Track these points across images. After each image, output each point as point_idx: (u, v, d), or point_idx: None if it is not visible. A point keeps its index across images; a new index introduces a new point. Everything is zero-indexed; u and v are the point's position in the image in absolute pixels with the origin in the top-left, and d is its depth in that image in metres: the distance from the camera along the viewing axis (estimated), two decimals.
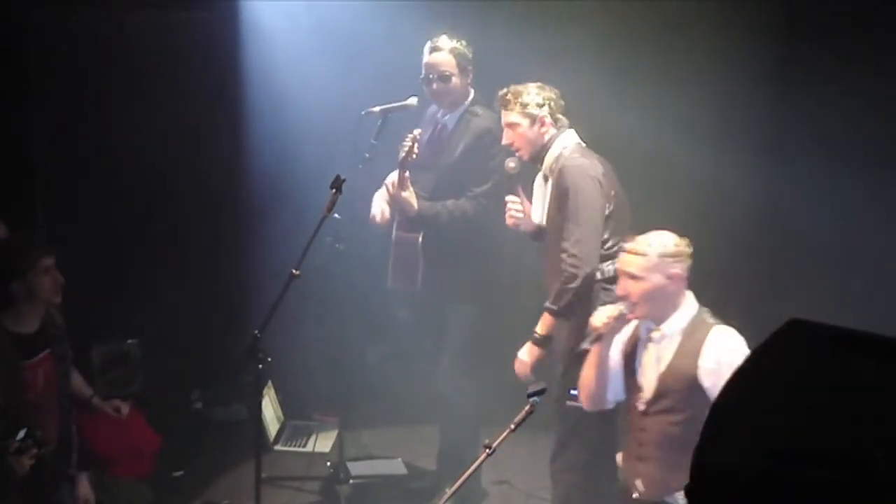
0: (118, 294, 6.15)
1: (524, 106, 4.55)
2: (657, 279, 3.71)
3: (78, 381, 4.76)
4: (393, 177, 5.28)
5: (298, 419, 6.46)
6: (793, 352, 1.26)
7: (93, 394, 4.85)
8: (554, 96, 4.59)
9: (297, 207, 5.75)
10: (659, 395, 3.77)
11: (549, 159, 4.59)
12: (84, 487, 4.59)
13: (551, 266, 4.60)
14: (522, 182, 4.77)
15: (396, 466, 5.99)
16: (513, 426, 3.48)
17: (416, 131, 5.17)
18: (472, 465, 3.56)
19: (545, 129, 4.57)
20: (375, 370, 6.45)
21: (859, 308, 4.75)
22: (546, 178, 4.64)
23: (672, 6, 5.62)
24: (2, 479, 4.13)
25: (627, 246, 3.80)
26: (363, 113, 5.27)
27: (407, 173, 5.20)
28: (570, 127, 4.64)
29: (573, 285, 4.42)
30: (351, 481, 5.75)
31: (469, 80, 5.29)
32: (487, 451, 3.50)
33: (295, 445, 6.25)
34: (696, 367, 3.66)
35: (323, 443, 6.18)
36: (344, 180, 4.55)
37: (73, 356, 4.63)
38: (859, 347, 1.22)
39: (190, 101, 6.17)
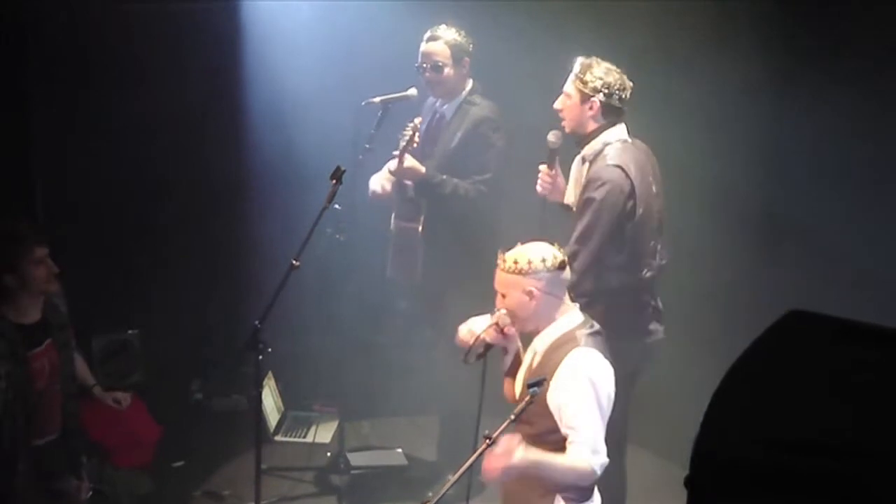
0: (118, 285, 6.15)
1: (584, 83, 4.51)
2: (516, 295, 3.60)
3: (82, 369, 4.75)
4: (392, 165, 5.28)
5: (298, 410, 6.46)
6: (793, 341, 1.26)
7: (94, 384, 4.85)
8: (618, 85, 4.51)
9: (297, 198, 5.75)
10: (515, 413, 3.69)
11: (588, 149, 4.57)
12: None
13: None
14: (560, 155, 4.75)
15: (396, 457, 6.00)
16: (513, 416, 3.48)
17: (417, 120, 5.18)
18: (472, 455, 3.56)
19: (592, 112, 4.52)
20: (376, 361, 6.46)
21: (861, 300, 4.75)
22: (584, 161, 4.64)
23: (672, 4, 5.62)
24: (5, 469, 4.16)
25: (498, 261, 3.68)
26: (363, 103, 5.27)
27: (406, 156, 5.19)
28: (621, 121, 4.58)
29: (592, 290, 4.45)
30: (351, 472, 5.76)
31: (465, 71, 5.31)
32: (488, 441, 3.50)
33: (295, 436, 6.25)
34: (547, 384, 3.52)
35: (323, 433, 6.19)
36: (344, 171, 4.55)
37: (78, 345, 4.63)
38: (859, 337, 1.22)
39: (190, 91, 6.17)
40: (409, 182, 5.27)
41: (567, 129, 4.62)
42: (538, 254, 3.62)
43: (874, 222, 5.13)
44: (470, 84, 5.36)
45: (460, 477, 3.50)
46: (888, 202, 5.14)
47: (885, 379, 1.18)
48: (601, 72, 4.52)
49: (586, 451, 3.51)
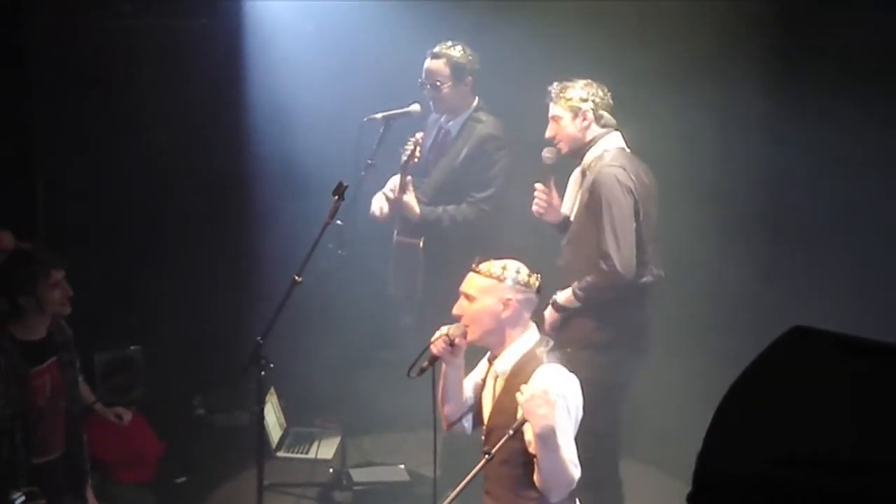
0: (120, 300, 6.15)
1: (568, 100, 4.58)
2: (490, 301, 3.59)
3: (82, 387, 4.75)
4: (394, 181, 5.30)
5: (301, 426, 6.45)
6: (796, 358, 1.25)
7: (95, 400, 4.85)
8: (601, 93, 4.60)
9: (299, 213, 5.75)
10: (489, 431, 3.67)
11: (589, 157, 4.61)
12: (90, 498, 4.58)
13: (572, 260, 4.63)
14: (557, 174, 4.78)
15: (399, 473, 5.98)
16: (511, 432, 3.46)
17: (419, 135, 5.20)
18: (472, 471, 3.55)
19: (587, 123, 4.58)
20: (377, 376, 6.45)
21: (860, 309, 4.75)
22: (584, 174, 4.67)
23: (674, 8, 5.63)
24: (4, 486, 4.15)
25: (475, 266, 3.70)
26: (365, 120, 5.28)
27: (409, 177, 5.22)
28: (617, 129, 4.65)
29: (606, 287, 4.48)
30: (353, 488, 5.74)
31: (467, 89, 5.32)
32: (487, 456, 3.50)
33: (297, 452, 6.24)
34: (516, 404, 3.47)
35: (325, 449, 6.18)
36: (346, 187, 4.55)
37: (81, 364, 4.63)
38: (862, 353, 1.22)
39: (192, 107, 6.17)
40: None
41: (564, 151, 4.66)
42: (523, 269, 3.65)
43: (878, 235, 5.13)
44: (476, 101, 5.37)
45: (461, 492, 3.49)
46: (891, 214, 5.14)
47: (888, 394, 1.18)
48: (580, 85, 4.61)
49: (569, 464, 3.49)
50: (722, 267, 5.56)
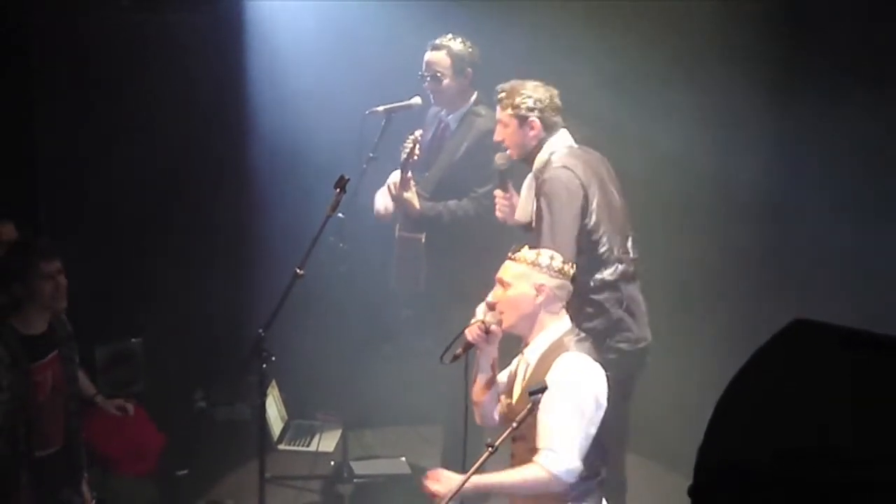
0: (122, 292, 6.15)
1: (515, 107, 4.51)
2: (524, 287, 3.64)
3: (83, 380, 4.76)
4: (395, 176, 5.31)
5: (302, 418, 6.45)
6: (797, 351, 1.26)
7: (96, 392, 4.85)
8: (548, 98, 4.51)
9: (301, 207, 5.75)
10: (518, 420, 3.66)
11: (537, 162, 4.56)
12: (85, 492, 4.60)
13: None
14: (513, 177, 4.79)
15: (400, 466, 5.99)
16: (515, 424, 3.47)
17: (418, 132, 5.20)
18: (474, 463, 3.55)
19: (534, 132, 4.52)
20: (379, 369, 6.46)
21: (861, 309, 4.74)
22: (535, 177, 4.62)
23: (675, 7, 5.63)
24: (7, 479, 4.16)
25: (511, 254, 3.74)
26: (367, 113, 5.28)
27: (409, 174, 5.23)
28: (564, 126, 4.58)
29: None
30: (355, 480, 5.75)
31: (468, 82, 5.32)
32: (490, 449, 3.50)
33: (298, 445, 6.24)
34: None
35: (326, 442, 6.19)
36: (348, 180, 4.55)
37: (80, 357, 4.64)
38: (863, 346, 1.22)
39: (194, 101, 6.17)
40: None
41: (514, 156, 4.63)
42: (558, 257, 3.71)
43: (878, 232, 5.13)
44: (475, 95, 5.37)
45: (462, 486, 3.49)
46: (891, 213, 5.14)
47: (889, 387, 1.18)
48: (529, 90, 4.53)
49: (546, 457, 3.50)
50: (722, 263, 5.56)
